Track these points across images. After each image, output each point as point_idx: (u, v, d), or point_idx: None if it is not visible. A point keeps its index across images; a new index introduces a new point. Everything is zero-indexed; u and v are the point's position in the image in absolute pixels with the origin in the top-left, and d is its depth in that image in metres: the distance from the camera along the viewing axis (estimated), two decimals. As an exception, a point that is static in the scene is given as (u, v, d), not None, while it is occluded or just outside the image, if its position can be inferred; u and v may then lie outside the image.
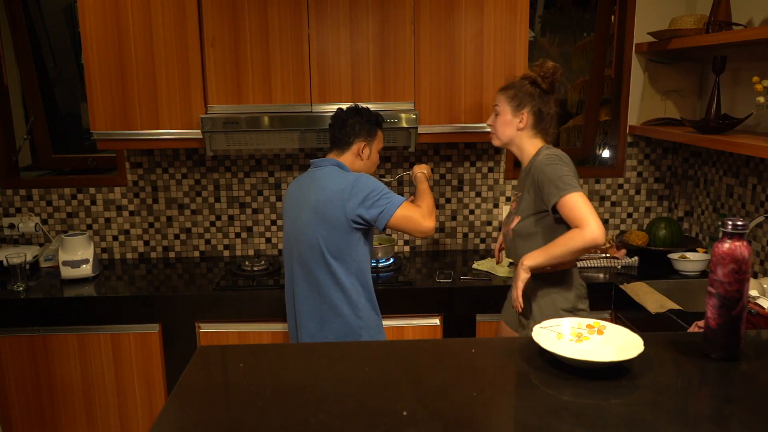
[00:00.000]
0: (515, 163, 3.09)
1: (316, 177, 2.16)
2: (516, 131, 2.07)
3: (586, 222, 1.82)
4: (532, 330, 1.56)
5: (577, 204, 1.85)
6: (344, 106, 2.27)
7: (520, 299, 1.94)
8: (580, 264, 2.77)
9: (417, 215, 2.10)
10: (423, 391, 1.24)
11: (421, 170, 2.43)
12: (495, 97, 2.13)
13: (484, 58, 2.59)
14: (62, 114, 3.37)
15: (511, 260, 2.13)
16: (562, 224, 1.95)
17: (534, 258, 1.92)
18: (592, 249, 1.86)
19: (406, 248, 3.12)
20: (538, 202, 1.97)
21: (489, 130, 2.15)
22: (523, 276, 1.93)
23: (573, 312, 2.02)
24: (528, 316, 2.05)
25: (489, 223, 3.12)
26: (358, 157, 2.21)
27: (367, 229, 2.13)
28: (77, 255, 2.68)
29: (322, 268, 2.12)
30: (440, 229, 3.11)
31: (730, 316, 1.28)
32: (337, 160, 2.20)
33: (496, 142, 2.14)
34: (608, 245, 2.85)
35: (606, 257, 2.78)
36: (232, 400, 1.20)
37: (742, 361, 1.29)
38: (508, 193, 3.09)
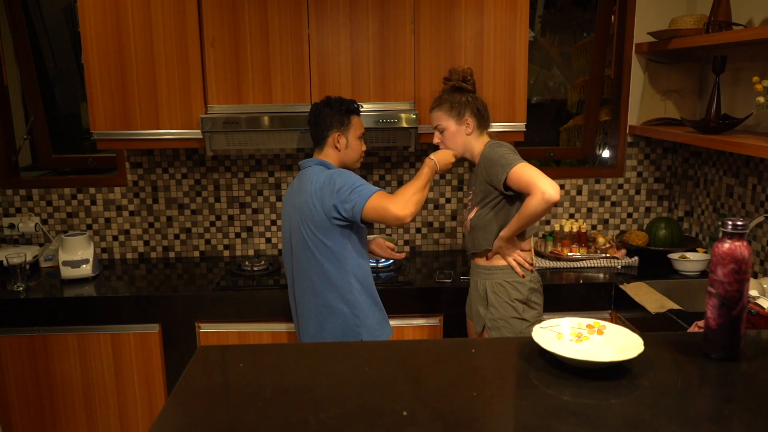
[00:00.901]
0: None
1: (301, 179, 2.17)
2: (465, 138, 2.17)
3: (535, 184, 1.93)
4: (486, 318, 2.13)
5: (523, 172, 1.97)
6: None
7: (522, 263, 2.14)
8: (580, 264, 2.77)
9: (388, 204, 2.01)
10: (423, 391, 1.24)
11: (433, 158, 2.26)
12: (430, 119, 2.21)
13: (484, 58, 2.59)
14: (62, 114, 3.37)
15: (474, 251, 2.22)
16: (514, 203, 2.10)
17: (507, 230, 2.08)
18: (551, 207, 1.96)
19: (406, 248, 3.12)
20: (489, 189, 2.09)
21: (444, 138, 2.19)
22: (501, 246, 2.12)
23: (527, 303, 2.14)
24: (485, 305, 2.17)
25: (489, 223, 3.12)
26: (334, 149, 2.21)
27: (350, 224, 2.11)
28: (77, 255, 2.68)
29: (315, 269, 2.12)
30: (440, 229, 3.11)
31: (730, 316, 1.28)
32: (319, 159, 2.21)
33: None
34: (608, 245, 2.85)
35: (606, 257, 2.78)
36: (232, 400, 1.20)
37: (742, 361, 1.29)
38: (508, 193, 3.09)
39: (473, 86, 2.20)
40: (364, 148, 2.29)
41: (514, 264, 2.14)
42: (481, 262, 2.21)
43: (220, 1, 2.50)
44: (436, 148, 2.27)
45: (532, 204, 1.95)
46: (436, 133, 2.21)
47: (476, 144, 2.18)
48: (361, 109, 2.31)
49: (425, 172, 2.15)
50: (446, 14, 2.55)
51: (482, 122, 2.18)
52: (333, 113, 2.21)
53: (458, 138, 2.17)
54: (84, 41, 2.52)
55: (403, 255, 2.52)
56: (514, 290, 2.13)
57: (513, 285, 2.13)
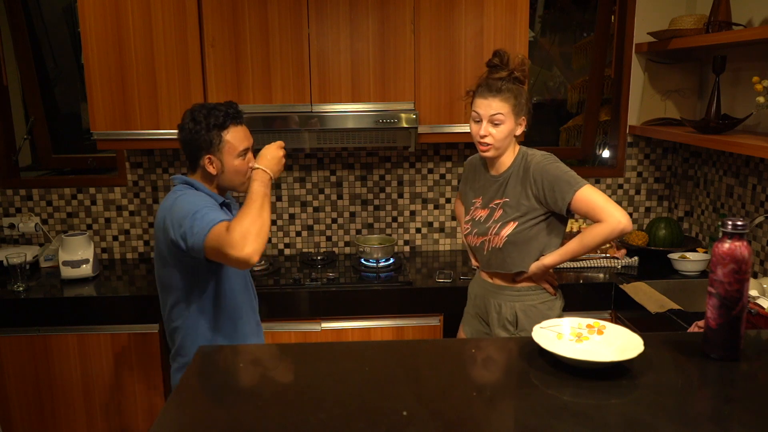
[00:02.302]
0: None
1: (164, 202, 1.83)
2: (511, 140, 1.96)
3: (608, 213, 1.80)
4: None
5: (593, 196, 1.83)
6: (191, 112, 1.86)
7: (552, 282, 2.04)
8: (580, 264, 2.77)
9: (223, 244, 1.61)
10: (423, 391, 1.24)
11: (258, 165, 1.77)
12: (479, 105, 1.91)
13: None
14: (62, 114, 3.37)
15: (500, 271, 2.01)
16: (561, 223, 1.96)
17: (558, 256, 1.94)
18: (617, 239, 1.88)
19: (406, 248, 3.12)
20: (535, 205, 1.91)
21: (489, 141, 1.91)
22: (540, 273, 1.97)
23: None
24: (513, 328, 2.02)
25: (489, 223, 3.12)
26: (211, 174, 1.83)
27: (197, 263, 1.77)
28: (77, 255, 2.68)
29: (162, 302, 1.90)
30: (440, 229, 3.11)
31: (730, 316, 1.28)
32: (183, 177, 1.86)
33: (491, 154, 1.94)
34: (608, 245, 2.85)
35: (606, 257, 2.78)
36: (232, 400, 1.20)
37: (742, 361, 1.29)
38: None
39: (525, 78, 1.96)
40: (251, 164, 1.80)
41: (546, 285, 2.03)
42: (506, 282, 2.02)
43: (220, 1, 2.50)
44: (435, 148, 2.25)
45: (603, 232, 1.81)
46: (486, 125, 1.89)
47: (510, 149, 1.97)
48: (361, 110, 2.24)
49: (256, 189, 1.71)
50: (446, 14, 2.55)
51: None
52: (199, 131, 1.78)
53: (507, 139, 1.93)
54: (84, 41, 2.52)
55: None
56: (549, 310, 2.02)
57: (547, 305, 2.02)
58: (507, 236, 1.94)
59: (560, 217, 1.95)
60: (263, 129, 2.54)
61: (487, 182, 2.03)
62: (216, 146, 1.79)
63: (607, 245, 2.84)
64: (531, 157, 1.95)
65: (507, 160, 1.98)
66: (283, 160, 1.80)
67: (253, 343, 1.97)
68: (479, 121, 1.92)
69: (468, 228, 2.08)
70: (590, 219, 1.87)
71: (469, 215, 2.09)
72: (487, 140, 1.91)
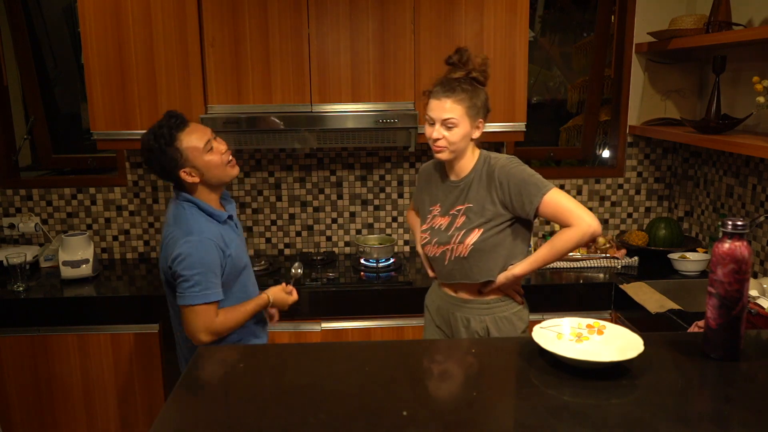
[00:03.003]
0: (515, 163, 3.09)
1: (168, 215, 1.90)
2: (468, 143, 1.86)
3: (578, 217, 1.74)
4: None
5: (562, 200, 1.77)
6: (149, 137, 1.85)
7: (518, 290, 1.95)
8: (580, 264, 2.77)
9: (196, 326, 1.79)
10: (423, 391, 1.24)
11: (270, 296, 1.99)
12: (432, 108, 1.82)
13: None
14: (62, 114, 3.37)
15: (463, 281, 1.90)
16: (526, 229, 1.89)
17: (528, 265, 1.85)
18: (589, 243, 1.81)
19: (406, 248, 3.12)
20: (500, 210, 1.82)
21: (443, 144, 1.82)
22: (509, 284, 1.89)
23: (524, 332, 1.95)
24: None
25: (489, 223, 3.11)
26: (194, 182, 1.86)
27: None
28: (77, 255, 2.68)
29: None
30: (440, 229, 3.11)
31: (730, 316, 1.28)
32: (187, 195, 1.88)
33: (445, 156, 1.84)
34: (608, 245, 2.85)
35: (606, 257, 2.78)
36: (232, 400, 1.20)
37: (742, 361, 1.29)
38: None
39: (485, 79, 1.87)
40: (221, 150, 1.87)
41: (514, 294, 1.94)
42: (472, 295, 1.91)
43: (220, 1, 2.50)
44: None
45: (574, 237, 1.75)
46: (438, 128, 1.81)
47: (469, 152, 1.87)
48: (361, 110, 2.27)
49: (252, 307, 1.90)
50: (446, 14, 2.55)
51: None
52: (160, 157, 1.81)
53: (463, 142, 1.83)
54: (84, 41, 2.52)
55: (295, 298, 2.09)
56: (519, 320, 1.94)
57: (517, 315, 1.94)
58: (473, 244, 1.83)
59: (525, 223, 1.87)
60: (263, 129, 2.54)
61: (447, 188, 1.93)
62: (181, 158, 1.81)
63: (607, 245, 2.84)
64: (494, 161, 1.85)
65: (467, 164, 1.88)
66: (290, 302, 2.01)
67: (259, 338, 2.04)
68: (432, 124, 1.83)
69: (426, 237, 1.96)
70: (559, 223, 1.80)
71: (426, 224, 1.97)
72: (440, 143, 1.81)
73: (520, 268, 1.86)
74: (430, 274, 2.07)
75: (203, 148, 1.83)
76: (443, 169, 1.96)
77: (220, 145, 1.88)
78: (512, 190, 1.79)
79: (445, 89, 1.81)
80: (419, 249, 2.07)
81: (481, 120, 1.85)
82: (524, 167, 1.83)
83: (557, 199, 1.76)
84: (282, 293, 2.03)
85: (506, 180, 1.80)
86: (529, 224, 1.89)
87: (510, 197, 1.80)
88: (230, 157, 1.91)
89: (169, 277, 1.85)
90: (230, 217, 1.96)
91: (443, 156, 1.84)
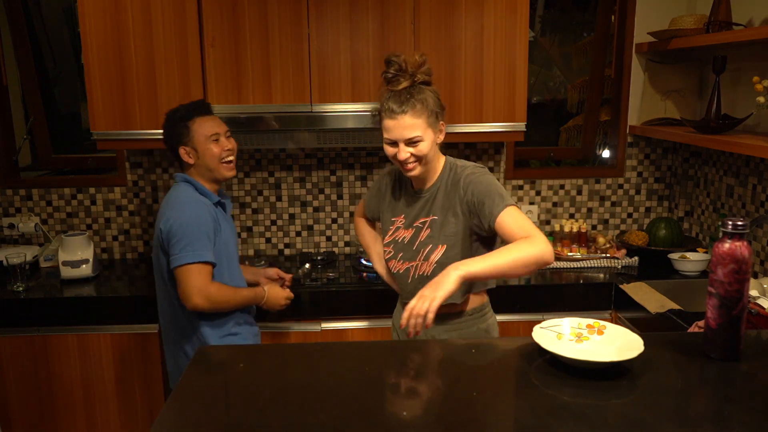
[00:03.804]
0: (516, 164, 3.09)
1: (167, 197, 2.02)
2: (435, 150, 1.74)
3: (536, 234, 1.56)
4: None
5: (523, 217, 1.62)
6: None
7: (431, 318, 1.45)
8: (580, 264, 2.77)
9: (191, 287, 1.86)
10: (423, 391, 1.24)
11: (266, 290, 2.09)
12: (399, 126, 1.66)
13: (484, 58, 2.59)
14: (62, 114, 3.37)
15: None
16: (487, 247, 1.73)
17: (473, 265, 1.52)
18: (540, 267, 1.55)
19: (406, 248, 3.11)
20: (466, 220, 1.69)
21: (412, 161, 1.69)
22: (451, 288, 1.48)
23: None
24: None
25: (489, 223, 3.11)
26: (188, 162, 2.02)
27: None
28: (77, 255, 2.68)
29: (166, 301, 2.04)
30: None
31: (730, 316, 1.28)
32: (183, 175, 2.04)
33: (418, 172, 1.71)
34: (608, 245, 2.85)
35: (606, 257, 2.78)
36: (232, 401, 1.20)
37: (742, 361, 1.29)
38: (508, 193, 3.09)
39: (430, 79, 1.75)
40: (226, 146, 2.01)
41: (420, 310, 1.50)
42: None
43: (220, 1, 2.50)
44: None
45: (530, 248, 1.54)
46: (403, 147, 1.66)
47: (436, 159, 1.75)
48: (361, 110, 2.27)
49: (247, 293, 2.01)
50: (446, 14, 2.55)
51: None
52: (170, 127, 2.02)
53: (431, 151, 1.70)
54: (84, 41, 2.52)
55: (289, 277, 2.28)
56: (487, 335, 1.80)
57: (485, 330, 1.80)
58: (436, 262, 1.71)
59: (486, 241, 1.74)
60: (263, 129, 2.54)
61: (411, 198, 1.81)
62: (186, 136, 1.98)
63: (607, 245, 2.84)
64: (461, 169, 1.74)
65: (433, 172, 1.76)
66: (282, 304, 2.09)
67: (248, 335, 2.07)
68: (394, 144, 1.68)
69: (390, 251, 1.83)
70: (518, 238, 1.59)
71: (389, 236, 1.84)
72: (410, 162, 1.68)
73: (468, 263, 1.55)
74: (396, 289, 1.94)
75: (209, 136, 1.99)
76: (406, 177, 1.80)
77: (226, 142, 2.03)
78: (476, 198, 1.65)
79: (399, 105, 1.65)
80: (376, 265, 1.98)
81: (442, 123, 1.73)
82: (491, 177, 1.71)
83: (519, 215, 1.61)
84: (279, 290, 2.10)
85: (471, 187, 1.67)
86: (490, 243, 1.74)
87: (474, 205, 1.66)
88: (230, 158, 2.02)
89: (161, 253, 1.92)
90: (223, 206, 2.06)
91: (416, 172, 1.71)
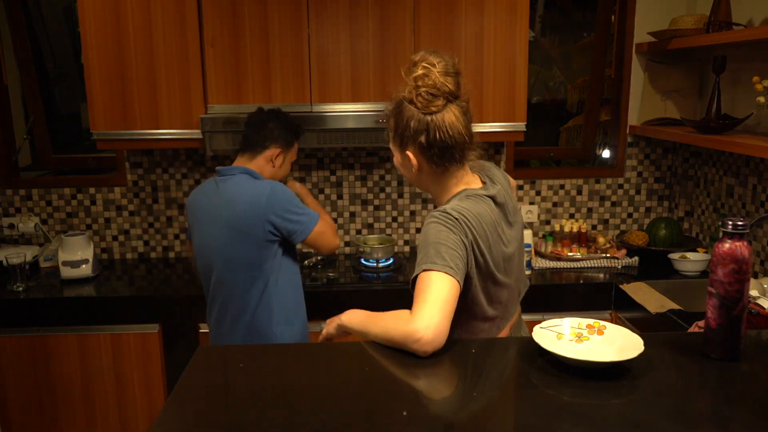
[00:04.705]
0: (516, 164, 3.09)
1: (224, 189, 2.05)
2: (415, 176, 1.52)
3: (417, 309, 1.29)
4: None
5: (425, 286, 1.32)
6: (265, 107, 2.25)
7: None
8: (580, 264, 2.77)
9: (330, 232, 2.11)
10: (423, 391, 1.24)
11: (296, 187, 2.35)
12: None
13: (484, 58, 2.59)
14: (62, 114, 3.37)
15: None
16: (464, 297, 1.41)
17: (353, 318, 1.53)
18: (408, 348, 1.29)
19: (406, 248, 3.12)
20: None
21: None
22: (329, 330, 1.57)
23: None
24: None
25: (489, 223, 3.12)
26: (270, 164, 2.14)
27: (281, 242, 2.05)
28: (77, 255, 2.68)
29: (239, 287, 2.04)
30: (440, 229, 3.11)
31: (730, 316, 1.28)
32: (246, 168, 2.10)
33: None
34: (608, 245, 2.85)
35: (606, 257, 2.78)
36: (232, 401, 1.20)
37: (742, 361, 1.29)
38: (508, 193, 3.09)
39: (425, 102, 1.46)
40: (286, 172, 2.25)
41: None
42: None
43: (220, 1, 2.50)
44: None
45: (395, 323, 1.35)
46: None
47: (438, 191, 1.55)
48: (361, 110, 2.31)
49: (313, 199, 2.36)
50: (446, 14, 2.55)
51: (438, 161, 1.49)
52: (283, 129, 2.15)
53: (406, 173, 1.59)
54: (84, 41, 2.52)
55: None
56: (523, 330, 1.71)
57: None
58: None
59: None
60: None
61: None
62: (289, 146, 2.18)
63: (607, 245, 2.84)
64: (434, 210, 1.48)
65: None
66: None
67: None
68: None
69: None
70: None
71: None
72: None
73: (351, 314, 1.57)
74: None
75: (293, 161, 2.25)
76: None
77: (287, 169, 2.25)
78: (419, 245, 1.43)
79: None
80: None
81: (408, 151, 1.50)
82: (437, 228, 1.39)
83: (427, 283, 1.32)
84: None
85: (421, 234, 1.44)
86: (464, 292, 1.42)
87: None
88: (283, 179, 2.24)
89: (262, 232, 1.98)
90: None
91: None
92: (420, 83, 1.44)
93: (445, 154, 1.46)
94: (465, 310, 1.45)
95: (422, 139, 1.45)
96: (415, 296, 1.33)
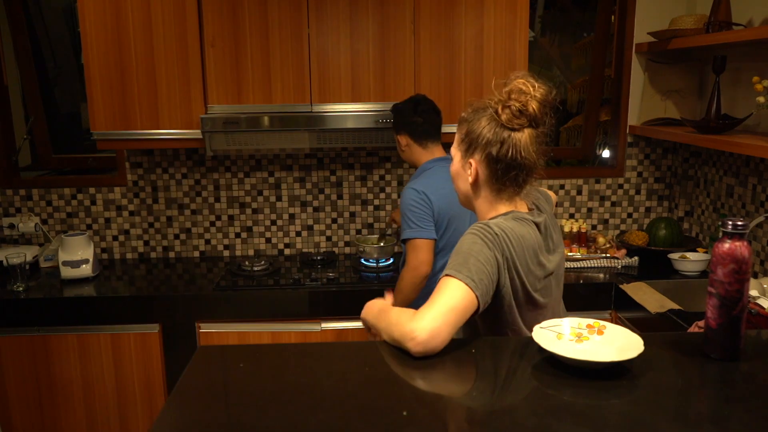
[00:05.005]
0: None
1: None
2: (468, 187, 1.52)
3: (422, 310, 1.32)
4: None
5: (439, 290, 1.34)
6: (421, 94, 2.39)
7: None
8: (580, 264, 2.77)
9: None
10: (423, 390, 1.24)
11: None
12: None
13: (484, 58, 2.59)
14: (62, 114, 3.37)
15: None
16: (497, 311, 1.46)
17: (369, 313, 1.52)
18: (404, 347, 1.32)
19: (406, 248, 3.11)
20: None
21: None
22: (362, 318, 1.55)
23: None
24: None
25: (489, 223, 3.11)
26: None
27: None
28: (77, 255, 2.68)
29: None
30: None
31: (730, 316, 1.28)
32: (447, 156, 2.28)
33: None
34: (608, 245, 2.85)
35: (606, 257, 2.78)
36: (232, 401, 1.20)
37: (742, 361, 1.29)
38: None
39: (510, 117, 1.48)
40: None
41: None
42: None
43: (220, 1, 2.50)
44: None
45: (399, 321, 1.37)
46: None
47: (483, 207, 1.54)
48: (361, 110, 2.31)
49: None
50: (446, 14, 2.55)
51: (498, 179, 1.48)
52: (412, 116, 2.33)
53: (460, 182, 1.57)
54: (84, 41, 2.52)
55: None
56: None
57: None
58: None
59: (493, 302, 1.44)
60: (263, 129, 2.54)
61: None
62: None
63: (607, 245, 2.84)
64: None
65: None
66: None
67: None
68: None
69: None
70: None
71: None
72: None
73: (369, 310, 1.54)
74: None
75: None
76: None
77: None
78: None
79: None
80: None
81: (473, 159, 1.50)
82: (472, 239, 1.39)
83: (443, 288, 1.34)
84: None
85: None
86: (497, 307, 1.47)
87: None
88: None
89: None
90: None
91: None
92: (513, 97, 1.45)
93: (509, 172, 1.45)
94: (507, 331, 1.50)
95: (493, 150, 1.44)
96: (431, 297, 1.35)
